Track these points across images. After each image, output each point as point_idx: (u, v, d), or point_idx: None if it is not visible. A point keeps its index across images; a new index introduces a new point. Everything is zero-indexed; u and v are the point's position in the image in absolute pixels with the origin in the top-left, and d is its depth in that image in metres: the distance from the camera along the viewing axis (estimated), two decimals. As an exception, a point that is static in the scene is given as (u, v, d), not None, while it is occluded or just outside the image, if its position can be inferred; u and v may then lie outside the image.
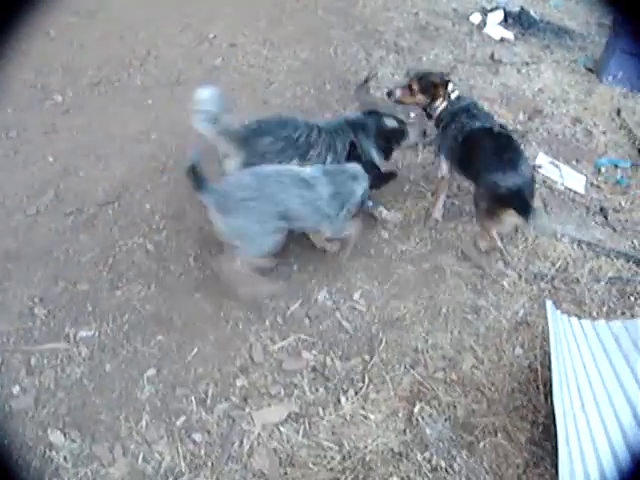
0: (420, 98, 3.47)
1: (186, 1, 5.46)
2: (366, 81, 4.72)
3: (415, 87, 3.45)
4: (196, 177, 2.70)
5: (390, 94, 3.56)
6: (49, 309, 2.96)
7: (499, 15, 6.21)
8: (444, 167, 3.52)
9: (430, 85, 3.42)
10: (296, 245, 3.36)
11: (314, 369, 2.82)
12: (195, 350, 2.84)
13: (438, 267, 3.37)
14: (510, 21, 6.23)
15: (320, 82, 4.66)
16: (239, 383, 2.74)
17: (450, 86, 3.42)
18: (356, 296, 3.17)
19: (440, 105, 3.43)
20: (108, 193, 3.57)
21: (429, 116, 3.54)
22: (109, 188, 3.60)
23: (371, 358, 2.88)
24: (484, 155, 3.19)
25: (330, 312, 3.07)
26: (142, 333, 2.89)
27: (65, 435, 2.47)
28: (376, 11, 5.83)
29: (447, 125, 3.40)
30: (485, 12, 6.23)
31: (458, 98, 3.42)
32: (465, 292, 3.23)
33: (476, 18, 6.17)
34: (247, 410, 2.61)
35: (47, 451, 2.40)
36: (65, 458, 2.38)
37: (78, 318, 2.93)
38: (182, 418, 2.57)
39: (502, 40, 5.89)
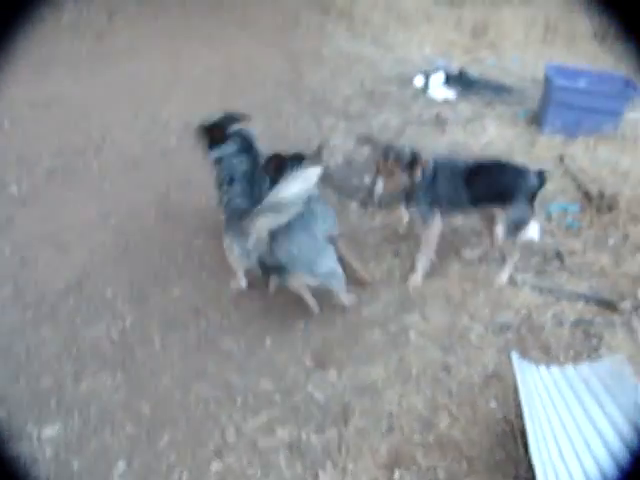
0: (403, 177, 3.32)
1: (138, 86, 5.57)
2: (319, 150, 4.84)
3: (396, 168, 3.29)
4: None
5: (371, 193, 3.45)
6: (10, 409, 2.84)
7: (440, 77, 6.51)
8: (437, 219, 3.54)
9: (412, 158, 3.32)
10: (265, 319, 3.36)
11: (290, 445, 2.75)
12: (166, 437, 2.75)
13: (404, 328, 3.37)
14: (451, 82, 6.52)
15: (275, 154, 4.74)
16: (214, 468, 2.64)
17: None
18: (325, 365, 3.14)
19: (419, 173, 3.35)
20: (69, 281, 3.52)
21: (409, 193, 3.46)
22: (69, 276, 3.55)
23: (346, 428, 2.83)
24: (506, 168, 3.50)
25: (301, 385, 3.03)
26: (110, 425, 2.79)
27: None
28: (324, 81, 6.05)
29: (432, 182, 3.39)
30: (427, 75, 6.53)
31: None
32: (433, 351, 3.23)
33: (419, 81, 6.45)
34: (224, 496, 2.52)
35: None
36: None
37: (41, 416, 2.82)
38: (156, 512, 2.46)
39: (445, 100, 6.15)
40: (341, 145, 5.01)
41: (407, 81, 6.44)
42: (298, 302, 3.46)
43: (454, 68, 6.77)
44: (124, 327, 3.26)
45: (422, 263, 3.66)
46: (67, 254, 3.74)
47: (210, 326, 3.31)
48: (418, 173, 3.35)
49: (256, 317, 3.40)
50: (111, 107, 5.27)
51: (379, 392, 3.01)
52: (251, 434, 2.78)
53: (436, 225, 3.58)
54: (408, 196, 3.51)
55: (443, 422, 2.85)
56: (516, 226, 3.54)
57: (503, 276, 3.75)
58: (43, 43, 6.11)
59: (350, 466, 2.64)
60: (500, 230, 3.58)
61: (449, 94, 6.27)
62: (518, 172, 3.46)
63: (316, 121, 5.28)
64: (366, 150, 5.00)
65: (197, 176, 4.40)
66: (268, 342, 3.25)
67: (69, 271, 3.60)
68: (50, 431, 2.76)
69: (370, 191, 3.41)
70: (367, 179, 4.65)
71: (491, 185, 3.48)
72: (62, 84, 5.55)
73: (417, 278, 3.66)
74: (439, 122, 5.63)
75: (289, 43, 6.79)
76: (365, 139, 5.13)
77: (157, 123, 5.07)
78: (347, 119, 5.40)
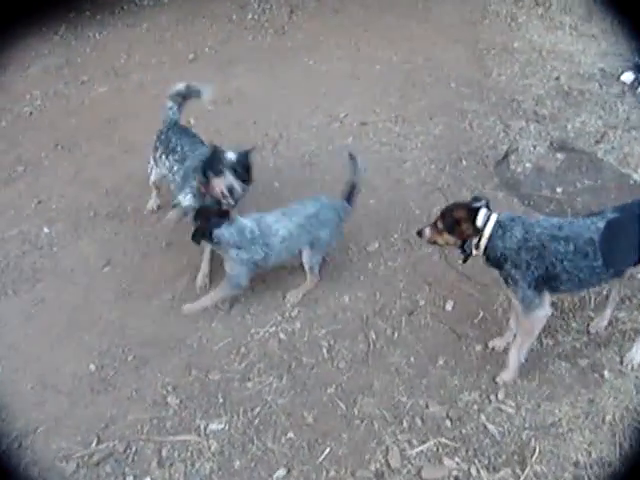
0: (448, 239, 2.95)
1: (317, 83, 5.74)
2: (506, 156, 4.64)
3: (440, 224, 2.96)
4: None
5: (420, 234, 3.08)
6: (181, 399, 3.09)
7: (656, 72, 5.89)
8: (546, 302, 2.90)
9: (454, 221, 2.88)
10: (438, 337, 3.33)
11: (457, 479, 2.66)
12: (327, 450, 2.81)
13: (597, 365, 3.11)
14: (671, 76, 5.87)
15: (456, 158, 4.63)
16: (374, 491, 2.65)
17: (481, 216, 2.79)
18: (501, 396, 3.00)
19: (478, 241, 2.82)
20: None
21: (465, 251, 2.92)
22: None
23: (523, 470, 2.68)
24: None
25: (474, 413, 2.92)
26: (273, 429, 2.92)
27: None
28: (512, 79, 5.77)
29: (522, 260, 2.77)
30: (639, 70, 5.94)
31: (502, 226, 2.78)
32: (635, 396, 2.94)
33: (628, 77, 5.88)
34: (383, 523, 2.51)
35: None
36: None
37: (209, 410, 3.03)
38: (313, 527, 2.52)
39: (661, 100, 5.56)
40: (531, 150, 4.74)
41: (612, 78, 5.90)
42: (476, 325, 3.38)
43: (674, 59, 6.07)
44: (293, 330, 3.38)
45: (519, 358, 3.04)
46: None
47: (379, 338, 3.32)
48: (475, 238, 2.87)
49: (429, 334, 3.35)
50: (288, 103, 5.49)
51: (563, 435, 2.82)
52: (416, 460, 2.75)
53: (544, 306, 2.92)
54: None
55: (644, 483, 2.57)
56: None
57: None
58: (229, 42, 6.57)
59: (526, 516, 2.49)
60: None
61: (666, 92, 5.64)
62: None
63: (503, 123, 5.04)
64: (560, 157, 4.69)
65: (375, 177, 4.43)
66: (440, 362, 3.18)
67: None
68: (216, 426, 2.96)
69: (418, 233, 3.10)
70: (559, 189, 4.36)
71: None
72: (243, 80, 5.89)
73: (507, 375, 3.07)
74: (652, 125, 5.09)
75: (475, 37, 6.55)
76: (559, 145, 4.81)
77: (333, 121, 5.18)
78: (539, 121, 5.09)
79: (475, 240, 2.83)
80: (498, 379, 3.07)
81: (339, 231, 3.62)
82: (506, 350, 3.17)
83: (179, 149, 3.73)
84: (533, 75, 5.87)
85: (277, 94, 5.65)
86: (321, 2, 7.43)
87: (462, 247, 2.92)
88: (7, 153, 4.96)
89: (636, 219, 2.80)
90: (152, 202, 4.29)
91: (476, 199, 2.96)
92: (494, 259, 2.85)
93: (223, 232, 3.24)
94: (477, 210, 2.82)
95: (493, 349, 3.24)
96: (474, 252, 2.87)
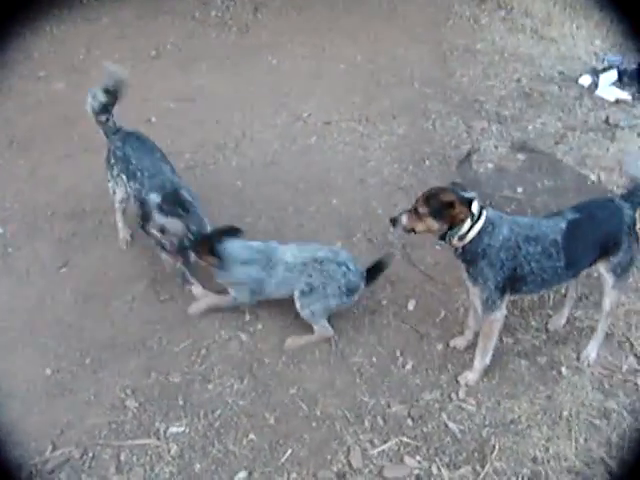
0: (431, 224, 2.76)
1: (280, 82, 5.73)
2: (468, 156, 4.71)
3: (422, 209, 2.76)
4: None
5: (395, 222, 2.87)
6: (140, 402, 3.04)
7: (612, 75, 6.02)
8: (504, 304, 2.90)
9: (443, 205, 2.70)
10: (401, 337, 3.35)
11: (418, 478, 2.68)
12: (289, 452, 2.79)
13: (555, 362, 3.18)
14: (626, 80, 6.01)
15: (419, 158, 4.68)
16: (336, 491, 2.65)
17: (476, 206, 2.69)
18: (462, 394, 3.03)
19: (466, 232, 2.71)
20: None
21: (442, 239, 2.82)
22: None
23: (483, 467, 2.71)
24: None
25: (435, 412, 2.95)
26: (234, 431, 2.90)
27: None
28: (475, 80, 5.85)
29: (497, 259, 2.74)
30: (596, 73, 6.07)
31: (492, 222, 2.71)
32: (590, 392, 3.01)
33: (586, 80, 6.02)
34: (345, 524, 2.51)
35: None
36: None
37: (169, 412, 2.98)
38: (274, 530, 2.51)
39: (618, 102, 5.69)
40: (493, 151, 4.82)
41: (571, 80, 6.03)
42: (438, 324, 3.42)
43: (630, 64, 6.21)
44: (255, 332, 3.36)
45: (484, 360, 3.07)
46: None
47: (341, 338, 3.33)
48: (464, 226, 2.72)
49: (391, 333, 3.37)
50: (252, 102, 5.46)
51: (522, 432, 2.87)
52: (377, 460, 2.76)
53: (501, 308, 2.92)
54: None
55: (599, 479, 2.63)
56: (624, 269, 2.98)
57: None
58: (191, 39, 6.50)
59: (485, 512, 2.52)
60: (609, 282, 3.01)
61: (622, 95, 5.78)
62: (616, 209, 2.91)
63: (465, 123, 5.12)
64: (520, 157, 4.77)
65: (338, 177, 4.45)
66: (402, 361, 3.21)
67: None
68: (176, 429, 2.92)
69: (392, 221, 2.90)
70: (520, 189, 4.44)
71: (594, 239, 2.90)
72: (206, 78, 5.84)
73: (473, 377, 3.10)
74: (608, 127, 5.21)
75: (439, 38, 6.63)
76: (520, 145, 4.90)
77: (297, 120, 5.18)
78: (500, 122, 5.18)
79: (463, 230, 2.68)
80: (461, 379, 3.09)
81: (344, 297, 3.23)
82: (467, 349, 3.22)
83: (139, 175, 3.51)
84: (495, 76, 5.97)
85: (240, 93, 5.62)
86: (285, 0, 7.41)
87: (443, 235, 2.76)
88: (-41, 151, 4.83)
89: (592, 219, 2.86)
90: (123, 231, 3.96)
91: (455, 184, 2.91)
92: (473, 253, 2.74)
93: (225, 247, 3.21)
94: (469, 198, 2.69)
95: (454, 348, 3.28)
96: (454, 242, 2.74)
